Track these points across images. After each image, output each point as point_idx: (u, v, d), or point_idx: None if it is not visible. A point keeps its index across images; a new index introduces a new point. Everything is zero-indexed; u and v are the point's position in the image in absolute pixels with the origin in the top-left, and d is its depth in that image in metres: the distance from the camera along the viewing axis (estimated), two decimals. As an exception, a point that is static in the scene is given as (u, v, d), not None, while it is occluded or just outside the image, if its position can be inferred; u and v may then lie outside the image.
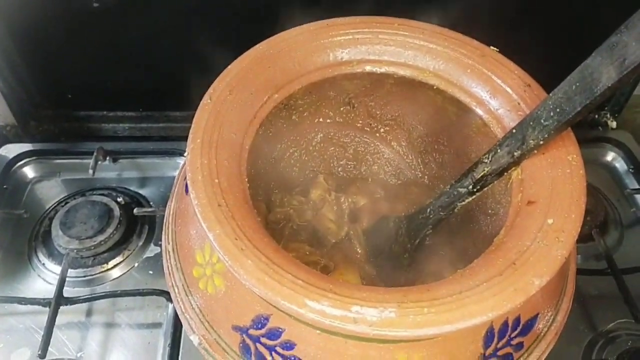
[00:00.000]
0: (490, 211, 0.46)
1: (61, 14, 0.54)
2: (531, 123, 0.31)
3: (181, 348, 0.48)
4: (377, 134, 0.54)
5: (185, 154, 0.33)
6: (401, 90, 0.48)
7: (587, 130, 0.69)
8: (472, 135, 0.46)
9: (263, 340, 0.31)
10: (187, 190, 0.38)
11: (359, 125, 0.53)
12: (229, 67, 0.37)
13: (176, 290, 0.37)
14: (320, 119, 0.51)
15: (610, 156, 0.68)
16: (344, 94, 0.50)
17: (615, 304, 0.52)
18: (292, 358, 0.31)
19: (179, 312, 0.36)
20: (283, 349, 0.31)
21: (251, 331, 0.32)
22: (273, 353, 0.31)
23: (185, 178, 0.39)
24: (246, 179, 0.34)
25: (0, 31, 0.56)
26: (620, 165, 0.67)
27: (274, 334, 0.31)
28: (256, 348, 0.32)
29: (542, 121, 0.30)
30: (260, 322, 0.31)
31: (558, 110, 0.29)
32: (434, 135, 0.51)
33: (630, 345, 0.50)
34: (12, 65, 0.59)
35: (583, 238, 0.58)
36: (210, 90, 0.36)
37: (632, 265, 0.55)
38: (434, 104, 0.46)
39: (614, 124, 0.69)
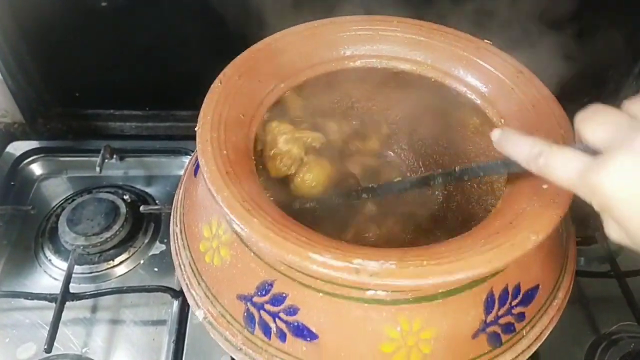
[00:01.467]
0: (490, 207, 0.47)
1: (70, 13, 0.56)
2: None
3: (186, 344, 0.48)
4: (379, 137, 0.56)
5: (196, 129, 0.34)
6: (402, 94, 0.50)
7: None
8: (471, 136, 0.47)
9: (267, 307, 0.32)
10: (196, 173, 0.40)
11: (361, 128, 0.55)
12: (239, 56, 0.40)
13: (183, 267, 0.37)
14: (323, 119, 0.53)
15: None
16: (347, 99, 0.52)
17: (618, 307, 0.51)
18: (296, 323, 0.31)
19: (184, 290, 0.37)
20: (287, 314, 0.31)
21: (255, 298, 0.32)
22: (277, 319, 0.32)
23: (195, 163, 0.41)
24: (252, 156, 0.36)
25: (11, 30, 0.57)
26: (624, 166, 0.67)
27: (278, 299, 0.31)
28: (260, 316, 0.32)
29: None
30: (264, 288, 0.32)
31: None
32: (434, 138, 0.53)
33: (633, 348, 0.50)
34: (22, 64, 0.60)
35: (587, 241, 0.58)
36: (221, 74, 0.38)
37: (635, 267, 0.55)
38: (433, 107, 0.48)
39: None
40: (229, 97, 0.37)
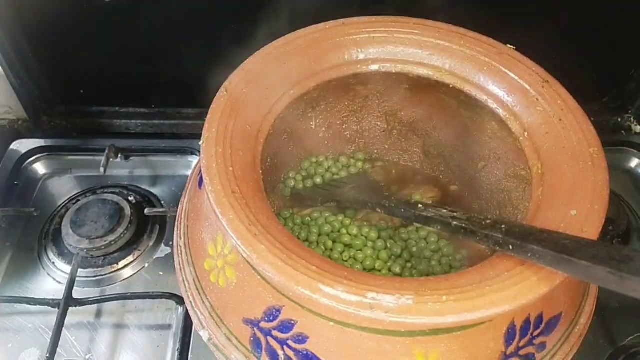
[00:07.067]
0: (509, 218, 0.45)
1: (73, 9, 0.55)
2: None
3: (190, 352, 0.47)
4: (391, 140, 0.53)
5: (201, 142, 0.32)
6: (415, 96, 0.47)
7: (610, 134, 0.66)
8: (488, 141, 0.45)
9: (275, 333, 0.30)
10: (200, 185, 0.38)
11: (373, 131, 0.53)
12: (246, 61, 0.38)
13: (187, 285, 0.36)
14: (335, 126, 0.51)
15: (634, 162, 0.65)
16: (359, 100, 0.49)
17: (636, 317, 0.50)
18: (305, 352, 0.30)
19: (188, 308, 0.36)
20: (295, 342, 0.30)
21: (262, 324, 0.31)
22: (285, 347, 0.30)
23: (199, 173, 0.40)
24: (260, 171, 0.34)
25: (13, 27, 0.56)
26: (645, 172, 0.64)
27: (286, 326, 0.30)
28: (267, 342, 0.31)
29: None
30: (272, 314, 0.30)
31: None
32: (449, 142, 0.50)
33: (652, 361, 0.48)
34: (24, 61, 0.59)
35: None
36: (226, 82, 0.36)
37: (655, 277, 0.53)
38: (448, 110, 0.46)
39: (637, 128, 0.66)
40: (235, 107, 0.35)
